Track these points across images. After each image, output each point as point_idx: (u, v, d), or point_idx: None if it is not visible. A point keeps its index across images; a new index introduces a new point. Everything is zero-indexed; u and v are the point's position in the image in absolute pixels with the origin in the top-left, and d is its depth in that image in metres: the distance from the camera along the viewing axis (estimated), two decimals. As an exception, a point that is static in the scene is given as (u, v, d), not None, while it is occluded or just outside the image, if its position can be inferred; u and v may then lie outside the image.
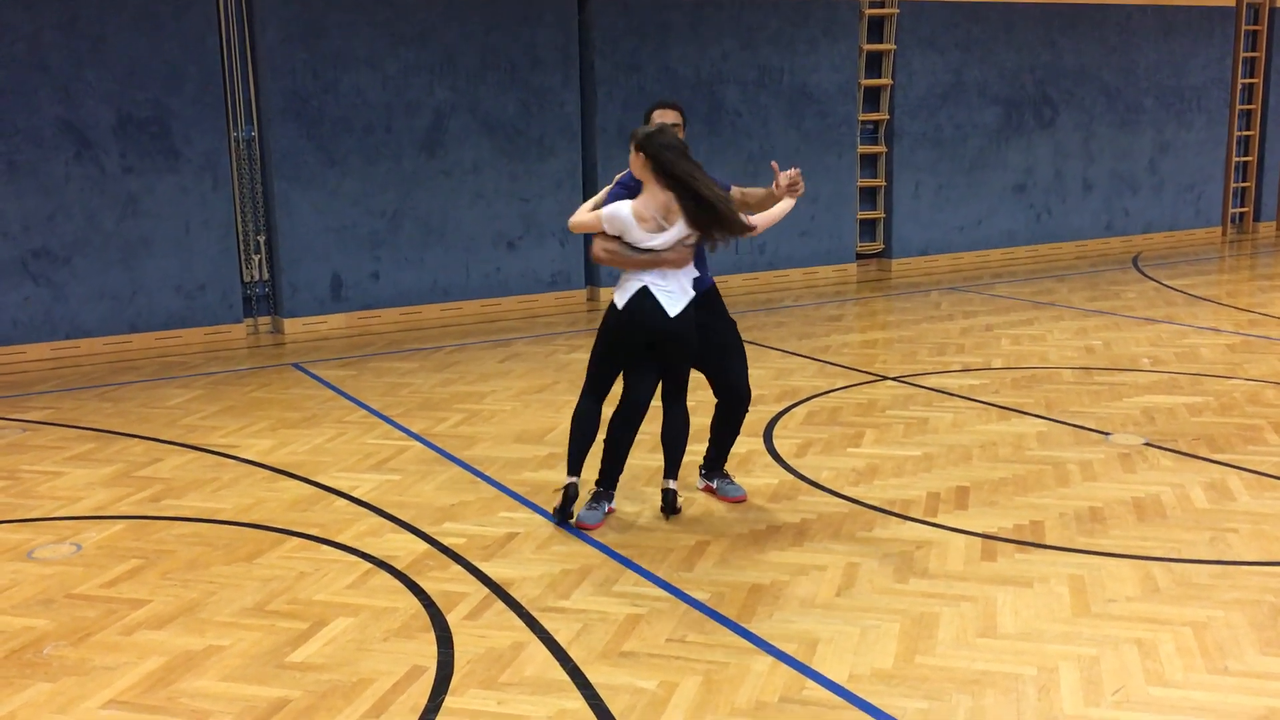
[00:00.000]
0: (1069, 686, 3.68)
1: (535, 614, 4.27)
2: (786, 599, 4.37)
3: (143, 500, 5.62)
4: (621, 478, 5.34)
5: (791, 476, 5.78)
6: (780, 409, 7.03)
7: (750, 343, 8.79)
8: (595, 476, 5.22)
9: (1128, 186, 14.15)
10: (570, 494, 5.12)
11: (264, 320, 9.91)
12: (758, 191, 5.15)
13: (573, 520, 5.12)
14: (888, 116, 12.38)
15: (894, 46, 12.21)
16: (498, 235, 10.52)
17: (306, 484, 5.83)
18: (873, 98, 12.43)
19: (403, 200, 10.06)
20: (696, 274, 4.95)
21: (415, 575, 4.64)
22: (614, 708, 3.60)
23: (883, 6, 12.16)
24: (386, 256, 10.07)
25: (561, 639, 4.06)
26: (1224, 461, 5.88)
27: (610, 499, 5.23)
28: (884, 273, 12.60)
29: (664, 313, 4.81)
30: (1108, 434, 6.40)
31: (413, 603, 4.38)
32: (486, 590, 4.49)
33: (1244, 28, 14.63)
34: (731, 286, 11.47)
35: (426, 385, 7.83)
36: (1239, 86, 14.79)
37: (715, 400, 5.38)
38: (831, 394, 7.40)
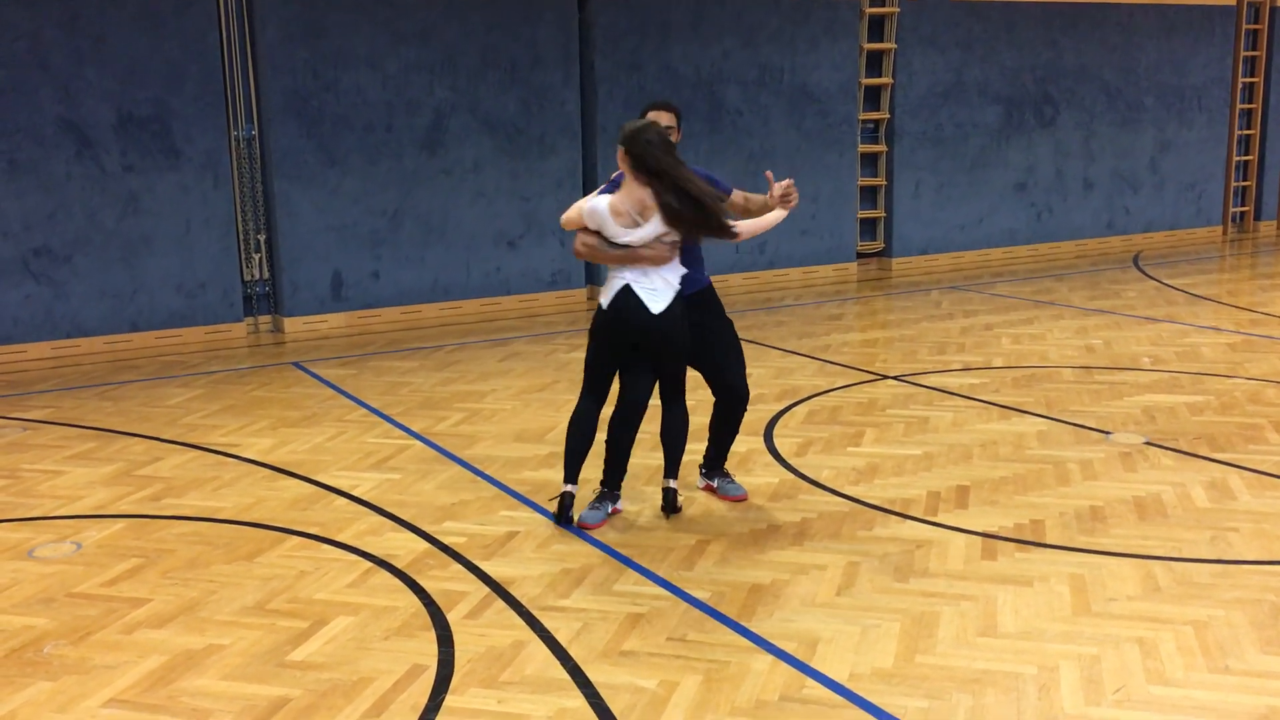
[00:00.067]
0: (1070, 685, 3.68)
1: (536, 613, 4.27)
2: (787, 598, 4.37)
3: (143, 499, 5.62)
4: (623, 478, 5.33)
5: (792, 476, 5.78)
6: (780, 408, 7.03)
7: (750, 342, 8.81)
8: (598, 477, 5.22)
9: (1128, 185, 14.14)
10: (565, 503, 5.10)
11: (264, 319, 9.91)
12: (760, 198, 5.11)
13: (574, 520, 5.12)
14: (888, 115, 12.38)
15: (895, 45, 12.21)
16: (498, 234, 10.51)
17: (307, 483, 5.83)
18: (873, 97, 12.43)
19: (403, 199, 10.06)
20: (683, 271, 4.89)
21: (415, 574, 4.64)
22: (614, 707, 3.60)
23: (883, 5, 12.15)
24: (387, 255, 10.07)
25: (562, 638, 4.06)
26: (1225, 461, 5.87)
27: (615, 499, 5.22)
28: (884, 272, 12.60)
29: (646, 310, 4.79)
30: (1108, 433, 6.39)
31: (413, 602, 4.38)
32: (487, 589, 4.49)
33: (1245, 27, 14.63)
34: (731, 285, 11.47)
35: (427, 384, 7.83)
36: (1240, 85, 14.79)
37: (714, 400, 5.38)
38: (832, 393, 7.40)
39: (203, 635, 4.14)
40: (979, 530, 5.01)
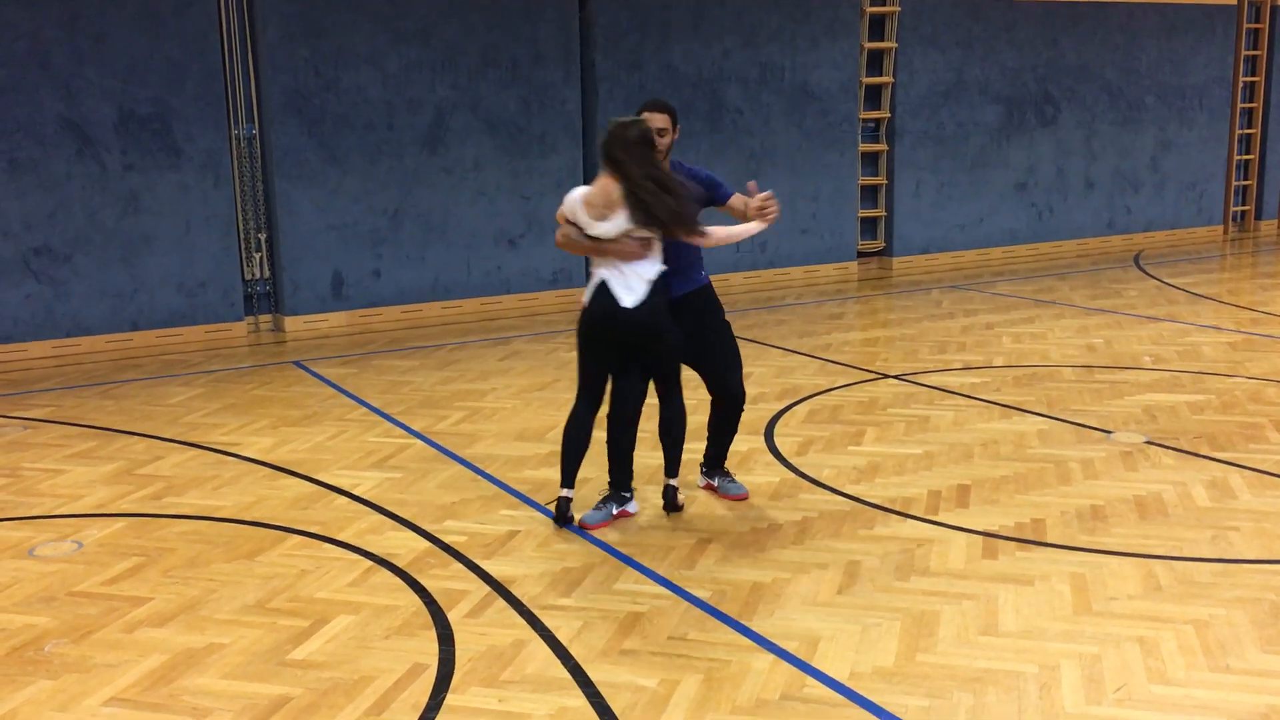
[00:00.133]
0: (1070, 684, 3.68)
1: (536, 612, 4.27)
2: (787, 597, 4.37)
3: (144, 498, 5.62)
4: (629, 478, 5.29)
5: (792, 475, 5.78)
6: (781, 407, 7.02)
7: (751, 341, 8.81)
8: (602, 478, 5.22)
9: (1129, 185, 14.14)
10: (561, 508, 5.09)
11: (265, 318, 9.91)
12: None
13: (576, 520, 5.11)
14: (889, 114, 12.38)
15: (895, 44, 12.21)
16: (499, 233, 10.51)
17: (307, 482, 5.83)
18: (874, 96, 12.42)
19: (404, 198, 10.06)
20: (660, 268, 4.82)
21: (416, 573, 4.64)
22: (615, 706, 3.60)
23: (884, 4, 12.15)
24: (387, 254, 10.07)
25: (562, 637, 4.06)
26: (1226, 460, 5.87)
27: (622, 501, 5.17)
28: (885, 271, 12.60)
29: (618, 304, 4.78)
30: (1109, 432, 6.39)
31: (414, 600, 4.38)
32: (488, 588, 4.49)
33: (1246, 26, 14.62)
34: (732, 285, 11.47)
35: (427, 383, 7.83)
36: (1240, 85, 14.78)
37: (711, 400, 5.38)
38: (832, 392, 7.40)
39: (203, 634, 4.14)
40: (980, 529, 5.00)
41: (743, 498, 5.40)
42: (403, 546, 4.93)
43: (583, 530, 5.05)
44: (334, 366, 8.44)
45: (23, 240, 8.77)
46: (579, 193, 4.80)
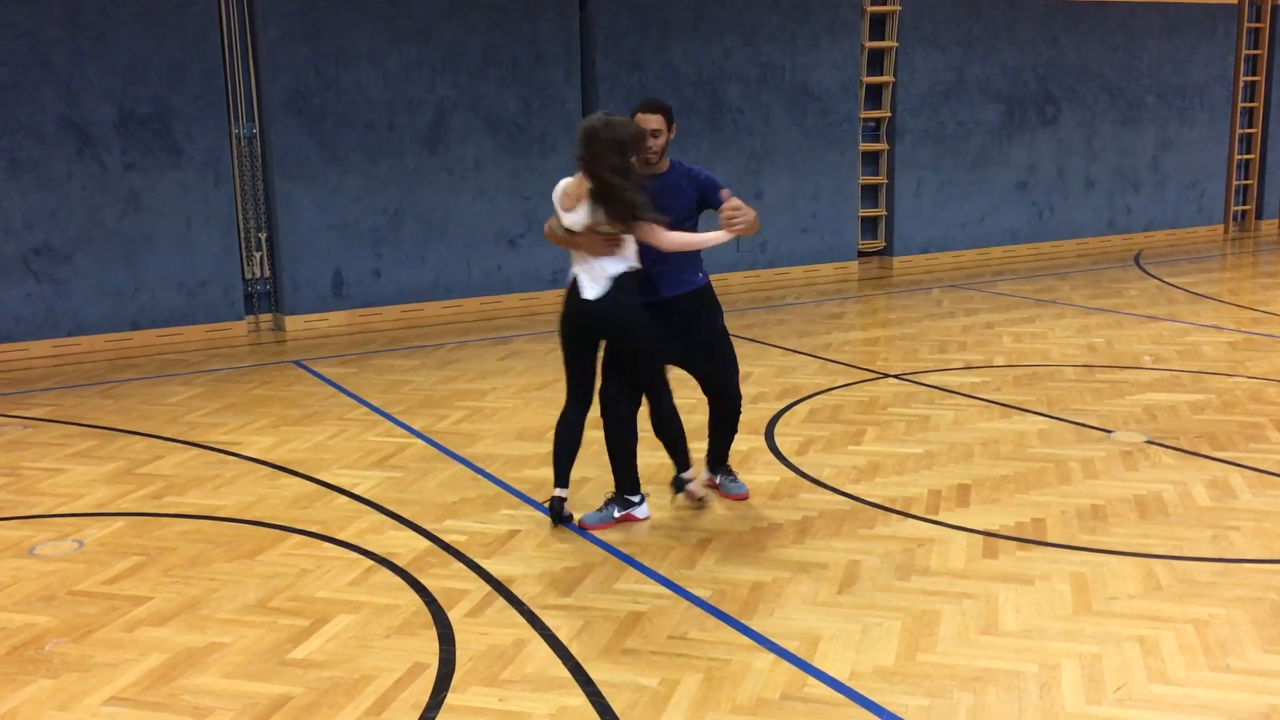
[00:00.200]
0: (1071, 684, 3.68)
1: (537, 611, 4.27)
2: (788, 596, 4.37)
3: (144, 497, 5.63)
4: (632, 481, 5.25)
5: (793, 474, 5.78)
6: (781, 407, 7.02)
7: (751, 340, 8.81)
8: (591, 479, 5.21)
9: (1130, 184, 14.14)
10: (553, 508, 5.09)
11: (265, 317, 9.91)
12: (750, 211, 4.98)
13: (576, 520, 5.11)
14: (889, 114, 12.37)
15: (896, 44, 12.20)
16: (499, 232, 10.51)
17: (308, 481, 5.83)
18: (875, 95, 12.42)
19: (404, 197, 10.06)
20: (624, 266, 4.76)
21: (417, 572, 4.64)
22: (615, 705, 3.60)
23: (885, 4, 12.14)
24: (388, 254, 10.07)
25: (563, 636, 4.06)
26: (1226, 459, 5.87)
27: (627, 505, 5.13)
28: (885, 270, 12.60)
29: (581, 296, 4.79)
30: (1110, 431, 6.39)
31: (414, 600, 4.39)
32: (488, 587, 4.49)
33: (1246, 25, 14.61)
34: (732, 284, 11.47)
35: (428, 382, 7.83)
36: (1241, 84, 14.78)
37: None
38: (833, 391, 7.40)
39: (204, 633, 4.14)
40: (980, 529, 5.00)
41: (743, 497, 5.40)
42: (403, 546, 4.93)
43: (583, 530, 5.05)
44: (334, 366, 8.44)
45: (23, 239, 8.77)
46: (562, 183, 4.86)
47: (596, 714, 3.56)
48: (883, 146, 12.49)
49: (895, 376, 7.75)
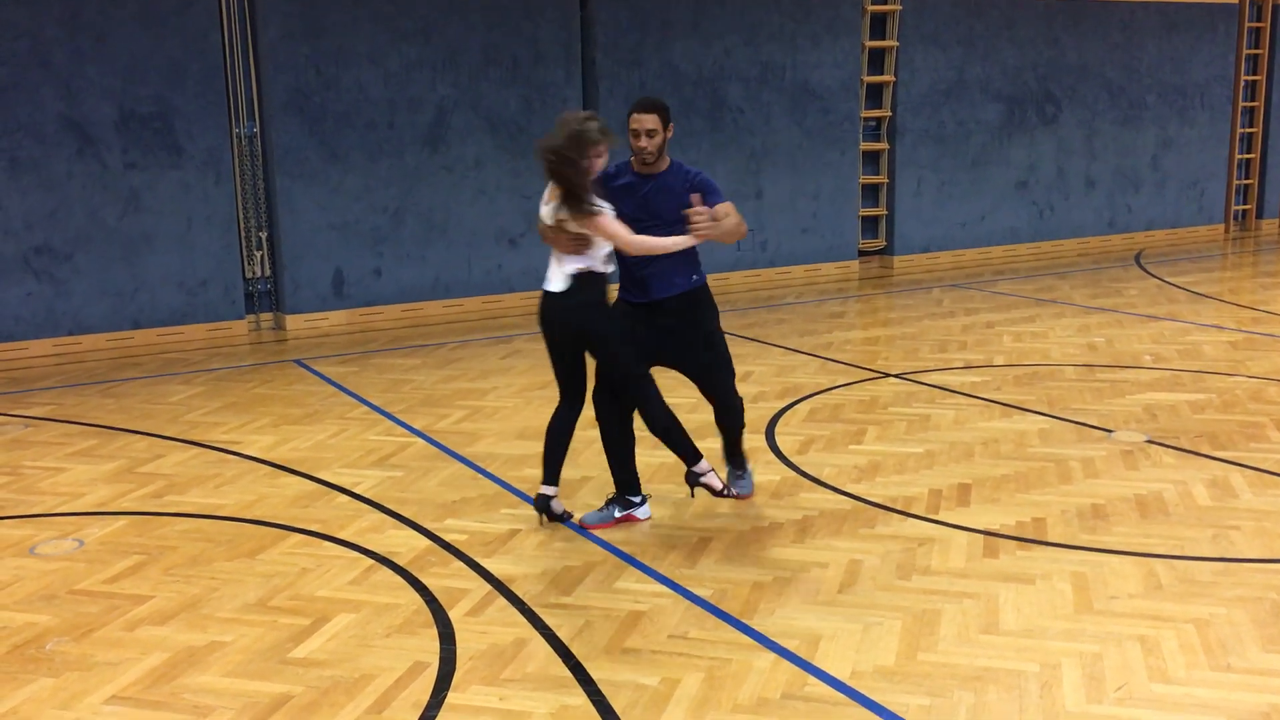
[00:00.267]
0: (1071, 683, 3.68)
1: (537, 610, 4.27)
2: (789, 596, 4.37)
3: (145, 496, 5.63)
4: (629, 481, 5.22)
5: (793, 473, 5.78)
6: (782, 406, 7.02)
7: (752, 340, 8.81)
8: (599, 480, 5.20)
9: (1130, 183, 14.13)
10: (539, 504, 5.08)
11: (266, 316, 9.91)
12: (733, 218, 4.85)
13: (576, 520, 5.11)
14: (890, 113, 12.37)
15: (896, 43, 12.20)
16: (500, 232, 10.51)
17: (308, 480, 5.83)
18: (875, 94, 12.42)
19: (405, 196, 10.06)
20: (583, 265, 4.72)
21: (417, 571, 4.64)
22: (616, 704, 3.60)
23: (885, 3, 12.14)
24: (388, 253, 10.07)
25: (563, 635, 4.06)
26: (1226, 459, 5.87)
27: (628, 505, 5.11)
28: (886, 269, 12.60)
29: (544, 288, 4.84)
30: (1110, 431, 6.39)
31: (415, 599, 4.39)
32: (488, 586, 4.49)
33: (1247, 24, 14.61)
34: (733, 283, 11.47)
35: (428, 382, 7.83)
36: (1242, 83, 14.77)
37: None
38: (833, 391, 7.40)
39: (204, 632, 4.15)
40: (981, 528, 5.00)
41: (745, 498, 5.39)
42: (404, 545, 4.93)
43: (584, 529, 5.05)
44: (335, 365, 8.44)
45: (24, 239, 8.77)
46: None
47: (597, 713, 3.56)
48: (883, 146, 12.49)
49: (896, 376, 7.75)
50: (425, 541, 4.97)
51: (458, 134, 10.17)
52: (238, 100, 9.49)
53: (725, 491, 5.01)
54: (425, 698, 3.66)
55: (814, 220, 12.04)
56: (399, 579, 4.58)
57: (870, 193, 12.65)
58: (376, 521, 5.23)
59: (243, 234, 9.63)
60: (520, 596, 4.39)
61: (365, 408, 7.18)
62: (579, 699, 3.64)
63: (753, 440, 6.24)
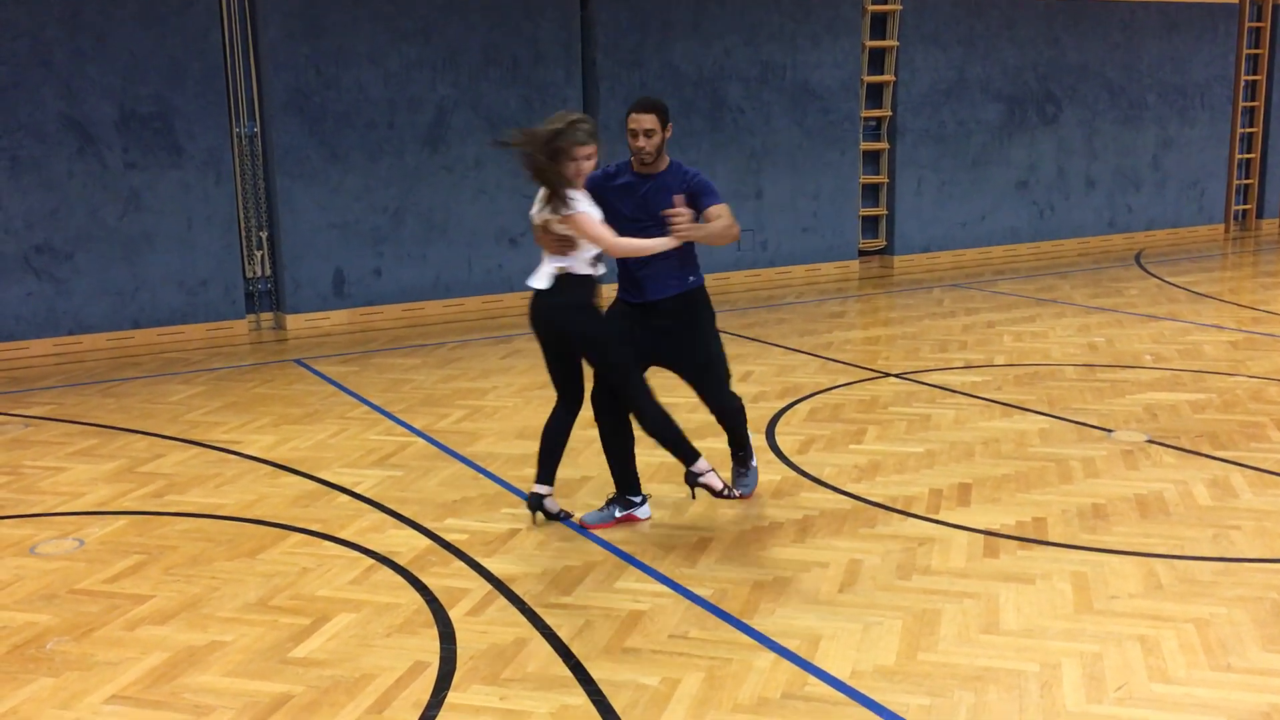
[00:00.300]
0: (1071, 683, 3.68)
1: (538, 610, 4.27)
2: (789, 595, 4.37)
3: (145, 496, 5.63)
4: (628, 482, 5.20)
5: (794, 473, 5.78)
6: (782, 406, 7.02)
7: (752, 339, 8.81)
8: (600, 479, 5.20)
9: (1130, 183, 14.13)
10: (531, 502, 5.08)
11: (266, 316, 9.91)
12: (723, 220, 4.83)
13: (576, 519, 5.11)
14: (890, 113, 12.37)
15: (897, 43, 12.20)
16: (500, 231, 10.51)
17: (309, 480, 5.83)
18: (875, 94, 12.42)
19: (405, 196, 10.06)
20: (562, 264, 4.70)
21: (418, 571, 4.64)
22: (616, 704, 3.60)
23: (886, 3, 12.14)
24: (389, 252, 10.07)
25: (564, 635, 4.06)
26: (1227, 458, 5.87)
27: (628, 505, 5.10)
28: (886, 269, 12.60)
29: (531, 285, 4.82)
30: (1110, 431, 6.39)
31: (415, 598, 4.39)
32: (489, 586, 4.49)
33: (1248, 24, 14.61)
34: (733, 283, 11.47)
35: (429, 381, 7.83)
36: (1242, 83, 14.77)
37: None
38: (834, 391, 7.40)
39: (205, 632, 4.15)
40: (981, 528, 5.00)
41: (745, 497, 5.38)
42: (404, 544, 4.93)
43: (584, 529, 5.05)
44: (335, 364, 8.44)
45: (24, 238, 8.77)
46: None
47: (597, 713, 3.56)
48: (883, 145, 12.49)
49: (896, 375, 7.75)
50: (426, 541, 4.97)
51: (458, 134, 10.17)
52: (238, 100, 9.49)
53: (726, 492, 4.93)
54: (425, 697, 3.66)
55: (814, 220, 12.04)
56: (399, 579, 4.58)
57: (870, 192, 12.65)
58: (377, 521, 5.23)
59: (243, 234, 9.63)
60: (521, 596, 4.39)
61: (365, 407, 7.18)
62: (579, 699, 3.64)
63: (753, 439, 6.23)
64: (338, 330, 9.77)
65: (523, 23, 10.29)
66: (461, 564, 4.72)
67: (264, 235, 9.72)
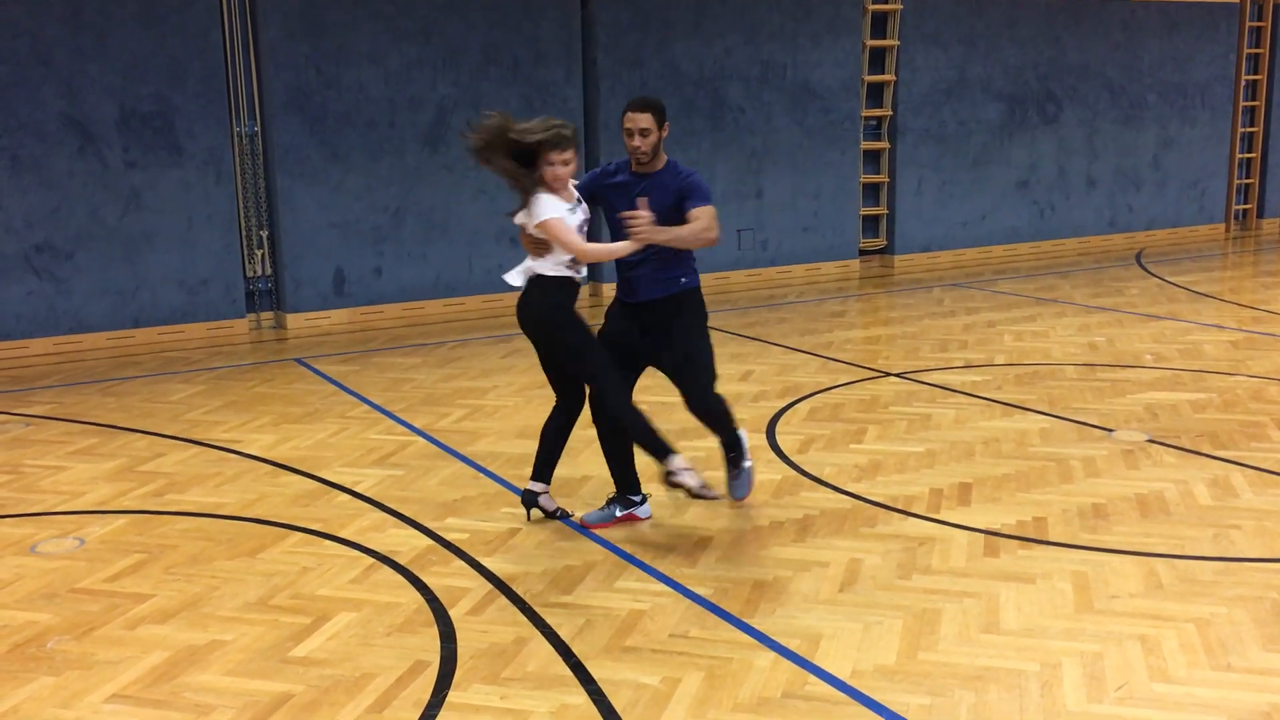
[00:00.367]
0: (1072, 683, 3.68)
1: (538, 609, 4.27)
2: (789, 595, 4.37)
3: (145, 495, 5.63)
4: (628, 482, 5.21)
5: (794, 472, 5.78)
6: (783, 405, 7.02)
7: (753, 339, 8.81)
8: (600, 479, 5.20)
9: (1131, 183, 14.13)
10: (525, 500, 5.09)
11: (267, 315, 9.91)
12: (699, 223, 4.76)
13: (577, 518, 5.11)
14: (891, 112, 12.37)
15: (897, 42, 12.20)
16: (500, 230, 10.50)
17: (309, 479, 5.83)
18: (876, 93, 12.42)
19: (405, 195, 10.06)
20: (540, 268, 4.73)
21: (418, 570, 4.64)
22: (617, 703, 3.60)
23: (886, 2, 12.14)
24: (389, 252, 10.07)
25: (564, 634, 4.06)
26: (1227, 458, 5.87)
27: (628, 504, 5.09)
28: (887, 269, 12.59)
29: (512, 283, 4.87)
30: (1111, 430, 6.39)
31: (415, 598, 4.39)
32: (489, 585, 4.49)
33: (1248, 24, 14.61)
34: (734, 283, 11.46)
35: (429, 380, 7.83)
36: (1243, 83, 14.77)
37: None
38: (834, 390, 7.40)
39: (205, 631, 4.15)
40: (982, 527, 5.00)
41: (742, 499, 5.34)
42: (404, 544, 4.93)
43: (585, 528, 5.05)
44: (335, 364, 8.44)
45: (24, 237, 8.77)
46: None
47: (598, 712, 3.56)
48: (884, 145, 12.49)
49: (896, 375, 7.75)
50: (426, 540, 4.97)
51: (458, 133, 10.16)
52: (238, 99, 9.49)
53: (701, 490, 4.75)
54: (426, 697, 3.66)
55: (815, 219, 12.04)
56: (400, 578, 4.58)
57: (871, 192, 12.64)
58: (377, 520, 5.23)
59: (243, 233, 9.63)
60: (521, 595, 4.39)
61: (366, 406, 7.18)
62: (580, 698, 3.64)
63: (753, 439, 6.23)
64: (338, 329, 9.77)
65: (523, 22, 10.29)
66: (462, 563, 4.72)
67: (264, 234, 9.72)
